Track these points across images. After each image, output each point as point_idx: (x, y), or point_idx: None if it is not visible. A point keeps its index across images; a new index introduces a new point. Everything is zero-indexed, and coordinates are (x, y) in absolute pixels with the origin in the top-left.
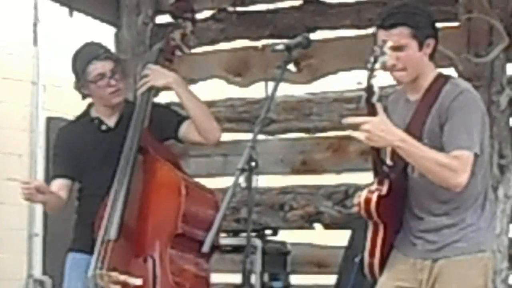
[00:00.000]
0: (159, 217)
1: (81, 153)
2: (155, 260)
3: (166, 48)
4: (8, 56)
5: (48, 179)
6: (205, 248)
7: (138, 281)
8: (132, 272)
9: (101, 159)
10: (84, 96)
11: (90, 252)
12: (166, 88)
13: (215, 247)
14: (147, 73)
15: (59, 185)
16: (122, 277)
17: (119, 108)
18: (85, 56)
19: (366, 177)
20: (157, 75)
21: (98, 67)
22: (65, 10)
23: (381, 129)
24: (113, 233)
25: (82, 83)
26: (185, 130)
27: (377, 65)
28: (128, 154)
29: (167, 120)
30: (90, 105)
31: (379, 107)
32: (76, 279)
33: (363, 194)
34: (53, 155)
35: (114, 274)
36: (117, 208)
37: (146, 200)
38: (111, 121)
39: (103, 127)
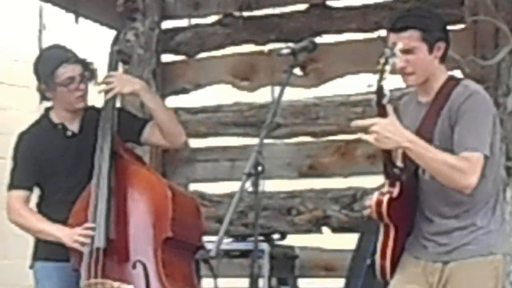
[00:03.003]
0: (146, 222)
1: (46, 159)
2: (146, 265)
3: (123, 49)
4: (14, 63)
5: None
6: (213, 252)
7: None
8: (122, 279)
9: (68, 165)
10: (43, 99)
11: (59, 259)
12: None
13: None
14: (112, 80)
15: (22, 198)
16: (116, 284)
17: (80, 112)
18: (54, 58)
19: (373, 181)
20: (123, 82)
21: (68, 70)
22: (71, 16)
23: (389, 130)
24: (101, 241)
25: (48, 86)
26: (148, 133)
27: (387, 67)
28: (101, 160)
29: (130, 124)
30: (48, 110)
31: (389, 108)
32: None
33: (374, 196)
34: (13, 162)
35: (108, 281)
36: (101, 215)
37: (130, 204)
38: (74, 126)
39: (68, 133)
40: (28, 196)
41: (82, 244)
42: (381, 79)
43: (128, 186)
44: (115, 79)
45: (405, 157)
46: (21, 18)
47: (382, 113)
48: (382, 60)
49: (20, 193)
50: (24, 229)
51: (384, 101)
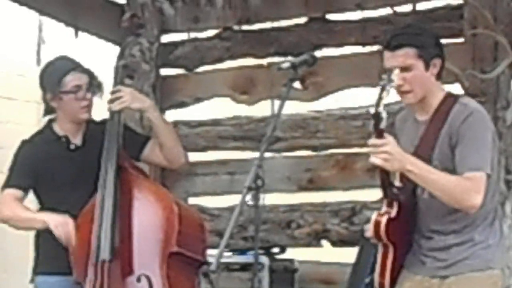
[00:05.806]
0: (152, 236)
1: (46, 169)
2: (151, 279)
3: (129, 64)
4: (13, 77)
5: None
6: (213, 266)
7: None
8: None
9: (71, 178)
10: (47, 112)
11: (61, 273)
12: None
13: (204, 263)
14: (121, 95)
15: (14, 196)
16: None
17: (82, 125)
18: (61, 67)
19: (373, 194)
20: (134, 97)
21: (75, 78)
22: (70, 30)
23: (397, 152)
24: (107, 253)
25: (54, 95)
26: (149, 151)
27: (385, 94)
28: (107, 173)
29: (132, 140)
30: (51, 121)
31: (387, 134)
32: None
33: (373, 217)
34: (11, 164)
35: None
36: (106, 227)
37: (136, 218)
38: (77, 139)
39: (72, 146)
40: (22, 196)
41: (63, 234)
42: (378, 105)
43: (133, 200)
44: (126, 93)
45: (403, 176)
46: (20, 32)
47: (379, 138)
48: (379, 87)
49: (13, 192)
50: (13, 221)
51: (382, 125)
